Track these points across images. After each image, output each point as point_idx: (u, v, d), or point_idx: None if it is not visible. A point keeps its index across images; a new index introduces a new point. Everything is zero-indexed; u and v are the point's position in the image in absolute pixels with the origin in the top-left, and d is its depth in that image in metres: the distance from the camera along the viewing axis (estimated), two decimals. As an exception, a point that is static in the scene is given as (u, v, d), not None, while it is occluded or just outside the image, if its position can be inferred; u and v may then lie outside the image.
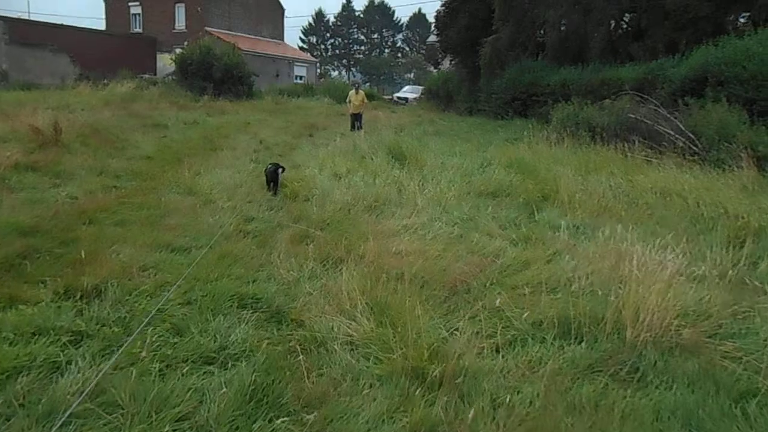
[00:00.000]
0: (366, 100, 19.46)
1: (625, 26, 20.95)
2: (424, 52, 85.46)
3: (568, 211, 7.05)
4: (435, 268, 4.64)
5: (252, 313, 3.79)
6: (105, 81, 28.75)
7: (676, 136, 11.30)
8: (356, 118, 18.82)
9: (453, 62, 34.21)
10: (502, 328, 3.70)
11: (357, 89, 19.21)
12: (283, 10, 47.90)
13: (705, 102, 12.77)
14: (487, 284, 4.40)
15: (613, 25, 21.15)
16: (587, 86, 18.73)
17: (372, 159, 10.05)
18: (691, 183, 8.17)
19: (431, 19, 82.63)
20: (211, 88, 28.79)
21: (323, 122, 20.96)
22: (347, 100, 19.21)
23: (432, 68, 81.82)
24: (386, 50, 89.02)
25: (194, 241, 5.31)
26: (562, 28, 22.11)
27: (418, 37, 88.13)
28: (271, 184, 8.06)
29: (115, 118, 17.51)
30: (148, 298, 3.90)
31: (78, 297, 3.85)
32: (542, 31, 23.89)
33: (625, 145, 11.69)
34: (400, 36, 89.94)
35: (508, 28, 23.52)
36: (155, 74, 38.30)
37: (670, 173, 8.67)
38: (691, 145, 11.17)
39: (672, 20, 18.93)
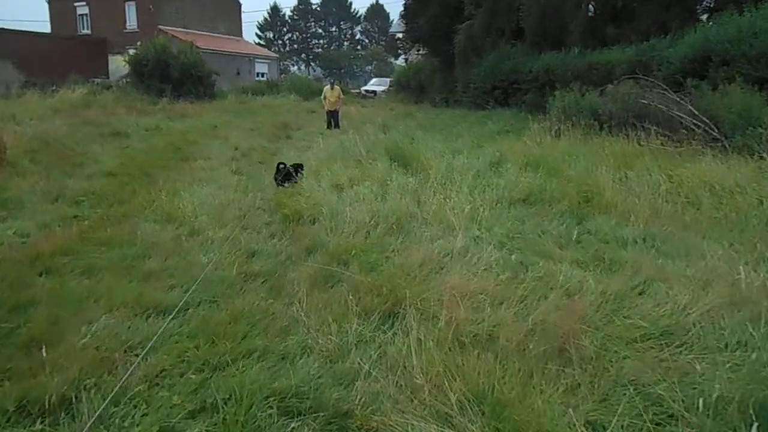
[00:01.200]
0: (342, 96, 18.23)
1: (606, 7, 20.07)
2: (384, 43, 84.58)
3: (620, 217, 6.02)
4: (519, 318, 3.51)
5: (301, 422, 2.59)
6: (54, 87, 26.73)
7: (694, 121, 10.42)
8: (332, 115, 17.63)
9: (421, 52, 33.15)
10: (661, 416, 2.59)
11: (332, 85, 17.96)
12: (239, 4, 45.97)
13: (711, 84, 11.98)
14: (597, 339, 3.29)
15: (593, 6, 20.21)
16: (573, 71, 17.84)
17: (370, 163, 8.86)
18: (738, 176, 7.24)
19: (389, 9, 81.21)
20: (169, 90, 27.10)
21: (295, 121, 19.63)
22: (322, 96, 17.97)
23: (393, 60, 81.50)
24: (345, 43, 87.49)
25: (189, 294, 4.05)
26: (540, 12, 21.12)
27: (377, 29, 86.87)
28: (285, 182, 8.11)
29: (68, 127, 15.86)
30: (144, 406, 2.66)
31: (38, 416, 2.59)
32: (519, 16, 22.89)
33: (637, 133, 10.78)
34: (358, 28, 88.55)
35: (482, 13, 22.53)
36: (108, 77, 36.20)
37: (712, 166, 7.69)
38: (710, 131, 10.32)
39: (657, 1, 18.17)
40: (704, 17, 17.78)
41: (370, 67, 79.75)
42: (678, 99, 11.37)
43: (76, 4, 39.68)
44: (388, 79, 42.81)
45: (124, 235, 5.57)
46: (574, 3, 20.06)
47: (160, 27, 35.85)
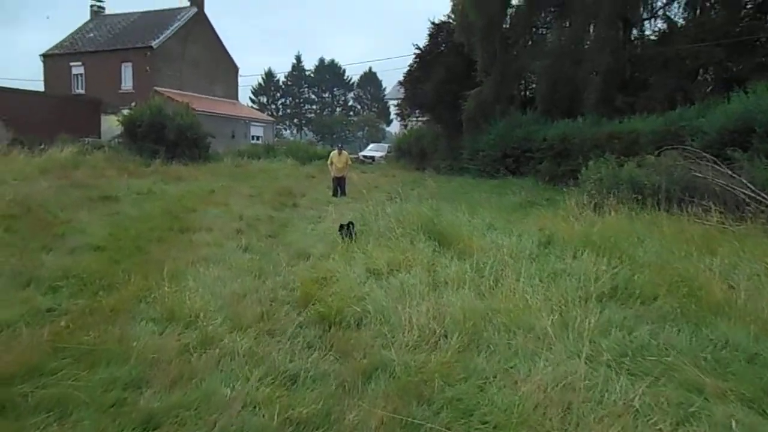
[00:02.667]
0: (350, 162, 17.18)
1: (615, 77, 19.48)
2: (376, 110, 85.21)
3: (747, 322, 4.73)
4: None
5: None
6: (42, 146, 25.59)
7: (760, 196, 9.34)
8: (339, 181, 16.52)
9: (420, 119, 32.60)
10: None
11: (340, 150, 16.94)
12: (236, 69, 45.73)
13: (753, 155, 11.07)
14: None
15: (605, 75, 19.61)
16: (593, 140, 17.00)
17: (404, 242, 7.60)
18: None
19: (381, 77, 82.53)
20: (163, 152, 26.04)
21: (297, 187, 18.43)
22: (328, 162, 16.88)
23: (385, 126, 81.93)
24: (338, 109, 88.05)
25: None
26: (551, 80, 20.52)
27: (369, 96, 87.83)
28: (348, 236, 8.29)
29: (54, 189, 14.59)
30: None
31: None
32: (529, 84, 22.36)
33: (688, 208, 9.68)
34: (351, 95, 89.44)
35: (492, 80, 21.92)
36: (100, 137, 35.19)
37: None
38: (775, 209, 9.26)
39: (674, 68, 17.57)
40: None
41: (361, 133, 79.98)
42: (731, 173, 10.38)
43: (71, 63, 39.11)
44: (386, 145, 42.25)
45: (112, 344, 4.17)
46: (586, 71, 19.48)
47: (156, 88, 35.22)
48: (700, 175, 10.13)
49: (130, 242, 8.34)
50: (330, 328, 4.71)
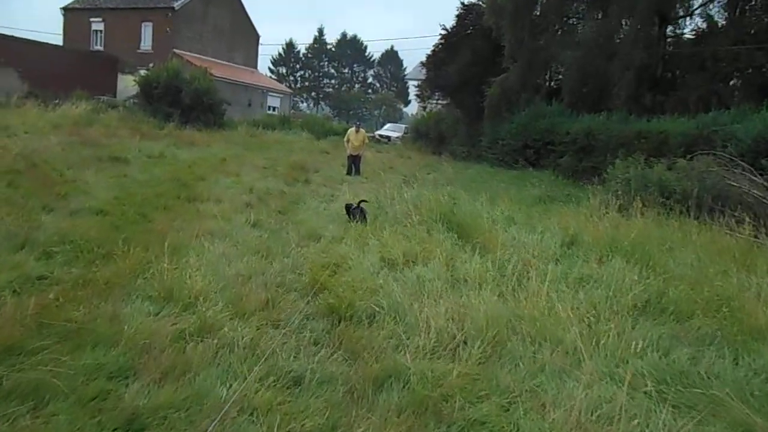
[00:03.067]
0: (367, 141, 16.72)
1: (655, 74, 18.81)
2: (395, 89, 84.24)
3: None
4: None
5: None
6: (57, 101, 25.27)
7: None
8: (354, 160, 16.09)
9: (439, 101, 31.96)
10: None
11: (358, 128, 16.48)
12: (258, 36, 45.10)
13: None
14: None
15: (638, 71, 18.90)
16: (619, 138, 16.42)
17: (418, 229, 7.20)
18: None
19: (403, 56, 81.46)
20: (177, 116, 25.67)
21: (311, 162, 18.02)
22: (345, 139, 16.43)
23: (403, 107, 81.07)
24: (357, 85, 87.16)
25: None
26: (581, 72, 19.83)
27: (389, 74, 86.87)
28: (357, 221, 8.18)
29: (64, 146, 14.29)
30: None
31: None
32: (556, 74, 21.70)
33: (719, 219, 9.22)
34: (371, 72, 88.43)
35: (518, 67, 21.26)
36: (115, 96, 34.86)
37: None
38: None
39: (710, 70, 16.91)
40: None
41: (378, 112, 79.22)
42: (765, 183, 9.88)
43: (91, 19, 38.62)
44: (402, 125, 41.60)
45: (102, 324, 3.81)
46: (618, 66, 18.80)
47: (175, 50, 34.73)
48: (735, 184, 9.62)
49: (135, 208, 7.99)
50: (339, 322, 4.34)
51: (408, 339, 4.03)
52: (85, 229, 6.31)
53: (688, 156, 11.54)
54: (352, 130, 16.42)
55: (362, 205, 8.70)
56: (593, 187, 13.58)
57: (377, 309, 4.59)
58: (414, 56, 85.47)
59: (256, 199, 9.79)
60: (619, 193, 10.91)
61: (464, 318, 4.33)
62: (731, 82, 17.17)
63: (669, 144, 14.76)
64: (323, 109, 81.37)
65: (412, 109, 77.72)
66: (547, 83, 22.49)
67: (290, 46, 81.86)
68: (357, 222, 8.16)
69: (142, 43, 37.23)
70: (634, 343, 4.22)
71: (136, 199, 8.76)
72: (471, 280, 5.31)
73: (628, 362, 3.94)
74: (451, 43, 25.54)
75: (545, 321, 4.45)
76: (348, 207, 8.69)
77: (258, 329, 4.04)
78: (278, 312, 4.41)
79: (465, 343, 4.03)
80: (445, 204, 8.39)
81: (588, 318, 4.66)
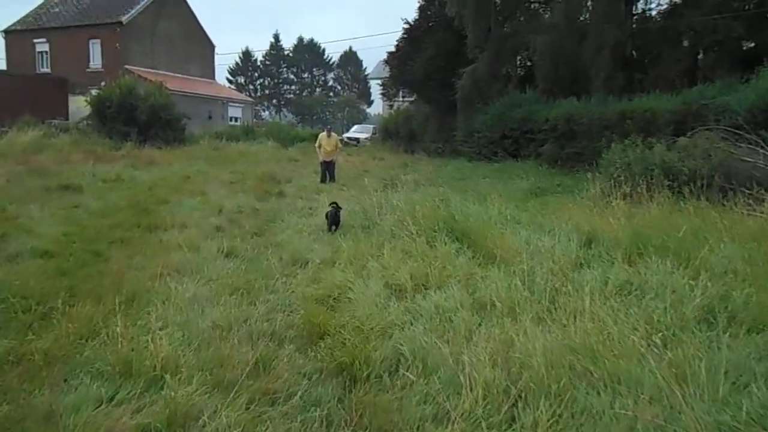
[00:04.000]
0: (340, 145, 15.72)
1: (631, 52, 18.19)
2: (357, 90, 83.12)
3: None
4: None
5: None
6: (3, 128, 23.74)
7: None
8: (328, 166, 15.08)
9: (405, 99, 31.11)
10: None
11: (329, 132, 15.44)
12: (213, 46, 43.57)
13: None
14: None
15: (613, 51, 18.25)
16: (602, 121, 15.73)
17: (418, 241, 6.24)
18: None
19: (362, 56, 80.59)
20: (134, 134, 24.34)
21: (282, 172, 16.96)
22: (317, 145, 15.39)
23: (366, 107, 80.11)
24: (318, 89, 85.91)
25: None
26: (553, 57, 19.11)
27: (350, 76, 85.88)
28: (333, 227, 8.05)
29: (9, 177, 12.98)
30: None
31: None
32: (526, 61, 20.96)
33: (736, 198, 8.48)
34: (331, 75, 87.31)
35: (486, 56, 20.49)
36: (68, 119, 33.16)
37: None
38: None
39: (689, 44, 16.33)
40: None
41: (341, 114, 78.21)
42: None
43: (35, 40, 36.72)
44: (370, 126, 40.64)
45: (32, 425, 2.76)
46: (592, 47, 18.12)
47: (127, 66, 33.18)
48: (749, 159, 8.88)
49: (86, 245, 6.87)
50: (353, 384, 3.34)
51: (448, 402, 3.05)
52: (23, 280, 5.18)
53: (689, 134, 10.81)
54: (323, 134, 15.37)
55: (334, 208, 8.30)
56: (583, 175, 12.86)
57: (396, 356, 3.61)
58: (373, 55, 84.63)
59: (227, 221, 8.71)
60: (621, 179, 10.10)
61: (511, 361, 3.38)
62: (713, 55, 16.57)
63: (657, 122, 14.11)
64: (286, 116, 79.86)
65: (376, 109, 76.93)
66: (519, 71, 21.72)
67: (247, 54, 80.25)
68: (332, 231, 7.90)
69: (91, 62, 35.52)
70: (723, 371, 3.33)
71: (89, 233, 7.63)
72: (500, 304, 4.36)
73: (732, 403, 3.04)
74: (414, 36, 24.70)
75: (608, 353, 3.53)
76: (327, 215, 8.32)
77: (248, 409, 3.02)
78: (272, 378, 3.39)
79: (521, 397, 3.08)
80: (443, 209, 7.44)
81: (655, 341, 3.75)
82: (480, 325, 4.02)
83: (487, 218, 7.98)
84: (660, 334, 3.84)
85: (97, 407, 3.04)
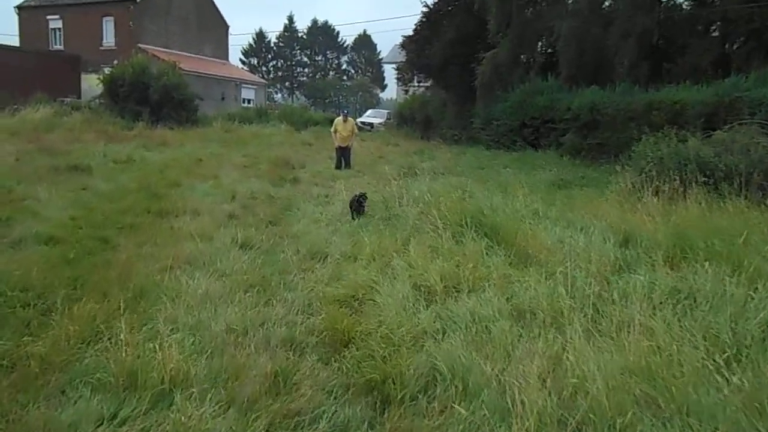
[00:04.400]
0: (356, 131, 15.27)
1: (658, 40, 17.55)
2: (370, 74, 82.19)
3: None
4: None
5: None
6: (16, 106, 23.46)
7: None
8: (343, 152, 14.67)
9: (421, 84, 30.48)
10: None
11: (346, 117, 14.99)
12: (227, 26, 43.05)
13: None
14: None
15: (640, 38, 17.60)
16: (627, 111, 15.17)
17: (445, 237, 5.83)
18: None
19: (377, 40, 79.73)
20: (146, 114, 24.04)
21: (295, 156, 16.54)
22: (332, 130, 14.97)
23: (380, 92, 79.28)
24: (331, 73, 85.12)
25: None
26: (578, 43, 18.47)
27: (363, 60, 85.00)
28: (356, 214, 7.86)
29: (18, 156, 12.68)
30: None
31: None
32: (549, 47, 20.30)
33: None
34: (345, 58, 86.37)
35: (508, 41, 19.86)
36: (80, 98, 32.88)
37: None
38: None
39: (721, 33, 15.69)
40: None
41: (354, 98, 77.55)
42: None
43: (48, 16, 36.36)
44: (385, 111, 40.07)
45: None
46: (618, 35, 17.49)
47: (140, 45, 32.76)
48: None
49: (94, 231, 6.53)
50: (386, 405, 2.96)
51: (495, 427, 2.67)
52: (24, 269, 4.84)
53: (725, 128, 10.27)
54: (339, 119, 14.93)
55: (358, 196, 8.13)
56: (608, 167, 12.40)
57: (431, 371, 3.23)
58: (388, 39, 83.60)
59: (241, 208, 8.34)
60: (651, 173, 9.62)
61: (564, 384, 2.99)
62: (745, 45, 15.91)
63: (686, 114, 13.56)
64: (298, 99, 79.32)
65: (389, 93, 76.12)
66: (543, 57, 21.07)
67: (260, 36, 79.55)
68: (355, 219, 7.72)
69: (104, 40, 35.14)
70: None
71: (96, 218, 7.29)
72: (541, 312, 3.96)
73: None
74: (433, 20, 24.05)
75: (670, 376, 3.13)
76: (351, 204, 8.11)
77: (268, 433, 2.65)
78: (294, 396, 3.01)
79: (580, 431, 2.69)
80: (469, 202, 7.03)
81: (718, 362, 3.34)
82: (521, 336, 3.62)
83: (513, 212, 7.55)
84: (725, 355, 3.43)
85: (98, 426, 2.68)
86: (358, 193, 8.20)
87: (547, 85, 18.73)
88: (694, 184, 8.86)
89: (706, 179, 9.01)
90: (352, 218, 7.74)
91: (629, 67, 17.26)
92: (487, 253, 5.46)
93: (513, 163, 15.61)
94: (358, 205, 7.90)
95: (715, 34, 16.57)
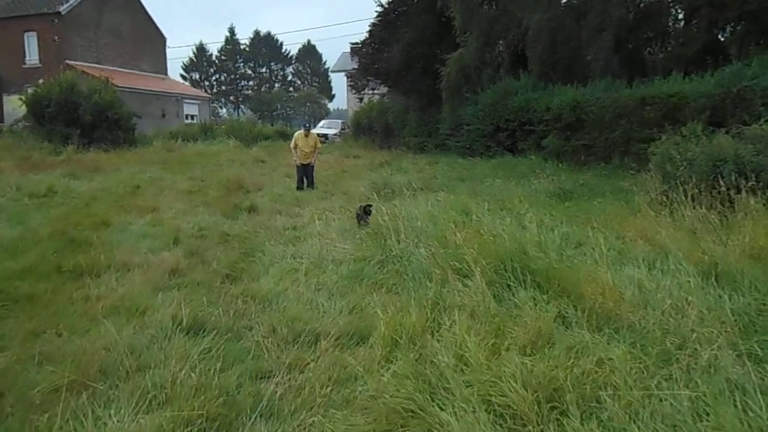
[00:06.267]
0: (320, 145, 13.35)
1: (636, 31, 16.29)
2: (317, 84, 79.93)
3: None
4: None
5: None
6: (-77, 136, 20.73)
7: None
8: (306, 170, 12.73)
9: (375, 91, 28.66)
10: None
11: (308, 131, 13.06)
12: (164, 39, 40.30)
13: None
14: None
15: (617, 29, 16.28)
16: (616, 108, 13.75)
17: (479, 292, 4.03)
18: None
19: (321, 49, 78.04)
20: (77, 136, 21.59)
21: (250, 177, 14.51)
22: (292, 146, 12.99)
23: (327, 101, 77.30)
24: (276, 84, 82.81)
25: None
26: (550, 38, 17.03)
27: (309, 70, 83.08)
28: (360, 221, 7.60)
29: None
30: None
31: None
32: (518, 45, 18.80)
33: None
34: (290, 69, 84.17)
35: (474, 40, 18.33)
36: (2, 121, 29.89)
37: None
38: None
39: (709, 17, 14.48)
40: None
41: (303, 110, 75.54)
42: None
43: (-38, 35, 33.12)
44: (339, 121, 38.18)
45: None
46: (593, 28, 16.15)
47: (68, 62, 29.98)
48: None
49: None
50: None
51: None
52: None
53: (761, 121, 8.78)
54: (299, 133, 12.94)
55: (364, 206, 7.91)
56: (605, 171, 11.01)
57: None
58: (334, 48, 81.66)
59: (187, 256, 6.31)
60: (682, 179, 8.06)
61: None
62: (735, 30, 14.76)
63: (686, 109, 12.19)
64: (244, 113, 76.63)
65: (339, 103, 74.07)
66: (513, 53, 19.56)
67: (201, 49, 76.65)
68: (362, 225, 7.42)
69: (27, 57, 32.11)
70: None
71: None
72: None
73: None
74: (389, 21, 22.37)
75: None
76: (358, 215, 7.90)
77: None
78: None
79: None
80: (485, 232, 5.24)
81: None
82: None
83: (545, 241, 5.81)
84: None
85: None
86: (363, 204, 8.08)
87: (521, 85, 17.22)
88: (734, 189, 7.36)
89: (754, 183, 7.49)
90: (359, 225, 7.58)
91: (605, 61, 15.90)
92: (559, 321, 3.68)
93: (495, 171, 13.95)
94: (364, 215, 7.65)
95: (695, 21, 15.37)
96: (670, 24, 16.13)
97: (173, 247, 6.69)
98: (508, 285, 4.38)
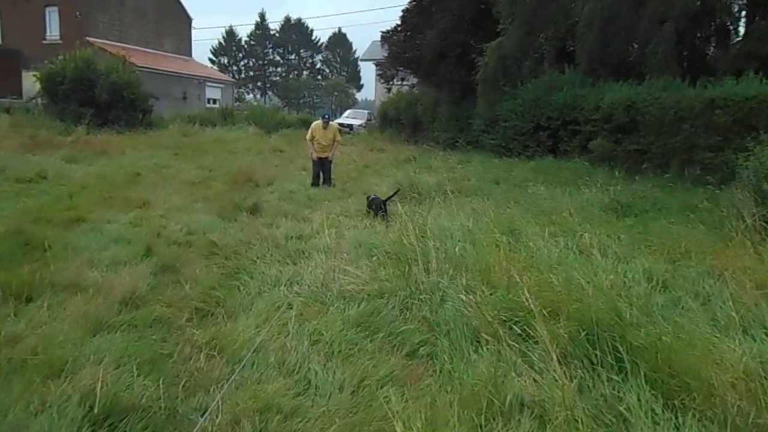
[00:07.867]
0: (339, 138, 11.88)
1: (699, 24, 14.54)
2: (346, 74, 78.46)
3: None
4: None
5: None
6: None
7: None
8: (322, 165, 11.31)
9: (404, 83, 27.08)
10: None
11: (327, 122, 11.56)
12: (190, 19, 39.12)
13: None
14: None
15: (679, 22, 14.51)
16: (678, 111, 12.08)
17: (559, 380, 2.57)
18: None
19: (352, 38, 76.66)
20: (91, 116, 20.50)
21: (262, 168, 13.16)
22: (308, 137, 11.55)
23: (356, 91, 75.85)
24: (305, 72, 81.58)
25: None
26: (601, 30, 15.33)
27: (339, 59, 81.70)
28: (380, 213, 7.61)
29: None
30: None
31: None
32: (566, 37, 17.15)
33: None
34: (319, 57, 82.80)
35: (516, 28, 16.65)
36: (22, 97, 29.00)
37: None
38: None
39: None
40: None
41: (330, 99, 74.21)
42: None
43: (-16, 9, 32.39)
44: (365, 111, 36.73)
45: None
46: (653, 19, 14.40)
47: (89, 39, 28.97)
48: None
49: None
50: None
51: None
52: None
53: None
54: (317, 124, 11.45)
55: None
56: (671, 182, 9.49)
57: None
58: (364, 37, 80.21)
59: (156, 273, 4.93)
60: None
61: None
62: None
63: (764, 115, 10.52)
64: (271, 99, 75.62)
65: (367, 93, 72.62)
66: (558, 45, 17.90)
67: (230, 34, 75.70)
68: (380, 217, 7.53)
69: (47, 33, 31.16)
70: None
71: None
72: None
73: None
74: (424, 6, 20.79)
75: None
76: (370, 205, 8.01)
77: None
78: None
79: None
80: (563, 272, 3.78)
81: None
82: None
83: (624, 283, 4.32)
84: None
85: None
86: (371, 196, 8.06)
87: (567, 79, 15.57)
88: None
89: None
90: (375, 216, 7.55)
91: (664, 57, 14.16)
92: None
93: (535, 175, 12.38)
94: (379, 206, 7.69)
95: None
96: (742, 17, 14.33)
97: (143, 259, 5.31)
98: (592, 364, 2.93)
